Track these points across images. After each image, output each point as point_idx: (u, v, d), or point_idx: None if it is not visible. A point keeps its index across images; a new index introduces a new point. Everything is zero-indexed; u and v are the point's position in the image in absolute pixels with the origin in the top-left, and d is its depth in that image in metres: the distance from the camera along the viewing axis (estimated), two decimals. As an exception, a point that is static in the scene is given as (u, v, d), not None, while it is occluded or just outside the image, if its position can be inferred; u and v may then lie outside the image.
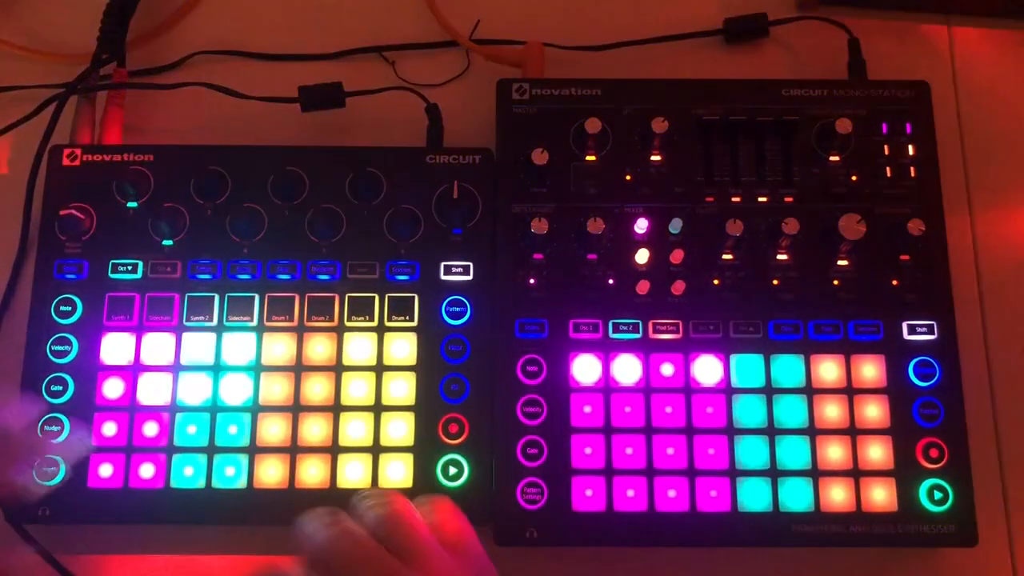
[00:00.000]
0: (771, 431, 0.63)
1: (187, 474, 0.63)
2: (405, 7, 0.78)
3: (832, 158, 0.68)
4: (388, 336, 0.65)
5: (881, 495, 0.62)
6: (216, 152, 0.69)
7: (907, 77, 0.70)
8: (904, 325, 0.65)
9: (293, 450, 0.64)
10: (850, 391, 0.64)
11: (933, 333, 0.65)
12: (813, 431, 0.63)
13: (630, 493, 0.62)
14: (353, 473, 0.63)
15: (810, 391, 0.64)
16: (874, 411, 0.63)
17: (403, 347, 0.65)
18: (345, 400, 0.64)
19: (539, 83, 0.69)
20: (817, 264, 0.66)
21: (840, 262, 0.66)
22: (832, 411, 0.64)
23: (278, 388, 0.65)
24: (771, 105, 0.68)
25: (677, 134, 0.67)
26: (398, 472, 0.63)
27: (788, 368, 0.64)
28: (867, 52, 0.73)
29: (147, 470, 0.63)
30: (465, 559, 0.51)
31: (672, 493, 0.62)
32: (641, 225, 0.66)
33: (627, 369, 0.64)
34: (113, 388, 0.64)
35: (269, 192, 0.68)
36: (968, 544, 0.62)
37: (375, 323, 0.66)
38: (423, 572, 0.47)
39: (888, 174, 0.68)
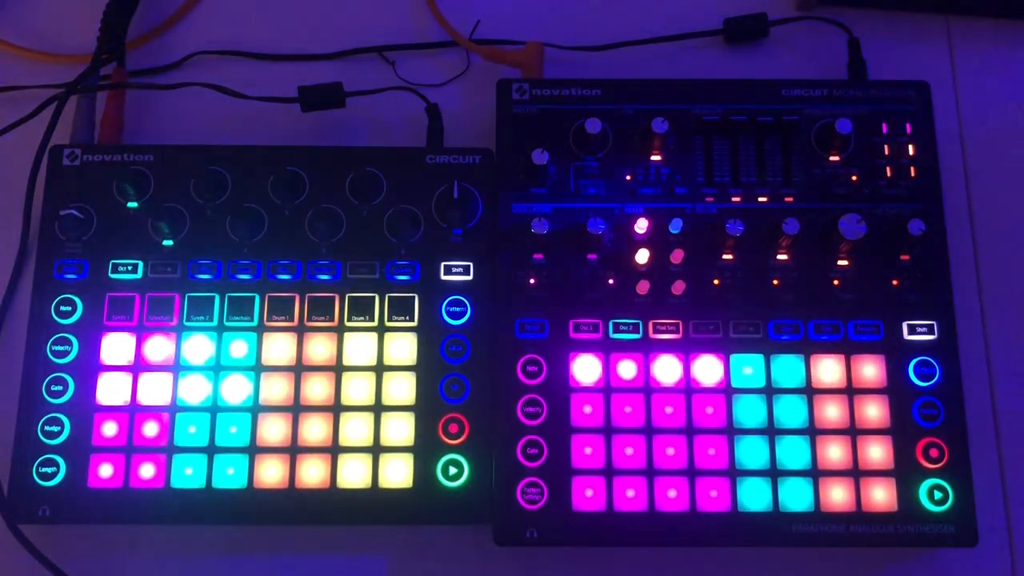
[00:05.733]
0: (771, 431, 0.63)
1: (187, 474, 0.63)
2: (405, 7, 0.78)
3: (832, 158, 0.68)
4: (388, 336, 0.65)
5: (881, 495, 0.62)
6: (216, 152, 0.69)
7: (907, 77, 0.70)
8: (904, 325, 0.65)
9: (293, 450, 0.63)
10: (850, 391, 0.64)
11: (933, 333, 0.65)
12: (813, 431, 0.63)
13: (630, 493, 0.62)
14: (353, 473, 0.63)
15: (810, 391, 0.64)
16: (874, 411, 0.63)
17: (403, 347, 0.65)
18: (345, 400, 0.64)
19: (539, 83, 0.69)
20: (817, 264, 0.66)
21: (840, 262, 0.66)
22: (832, 411, 0.64)
23: (278, 388, 0.64)
24: (771, 105, 0.68)
25: (677, 134, 0.67)
26: (398, 472, 0.63)
27: (788, 368, 0.64)
28: (867, 52, 0.73)
29: (147, 470, 0.63)
30: None
31: (672, 493, 0.62)
32: (641, 225, 0.66)
33: (627, 369, 0.64)
34: (113, 388, 0.64)
35: (269, 192, 0.68)
36: (968, 544, 0.62)
37: (375, 323, 0.66)
38: None
39: (888, 174, 0.68)
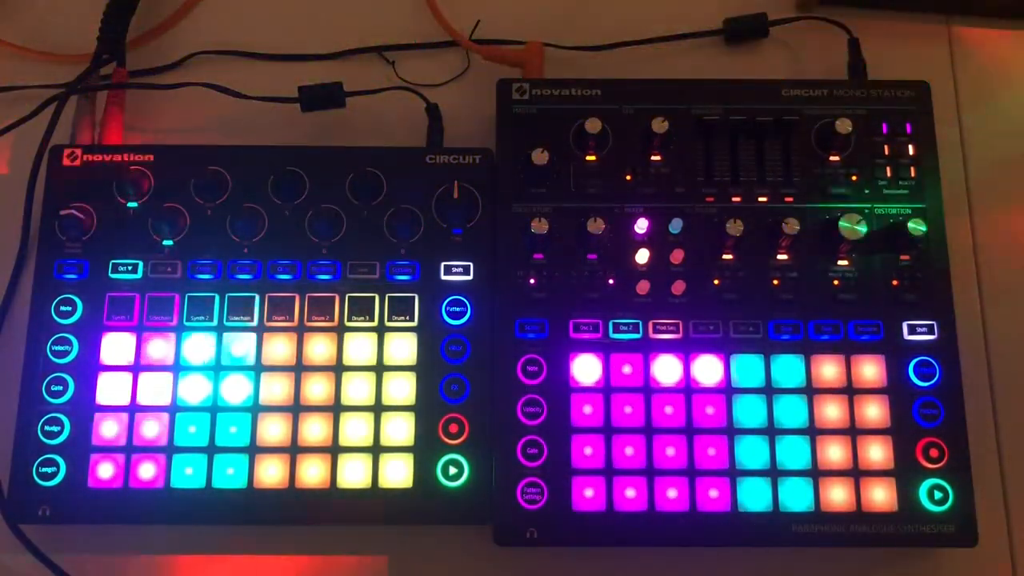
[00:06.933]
0: (771, 431, 0.63)
1: (187, 474, 0.63)
2: (405, 7, 0.78)
3: (832, 158, 0.68)
4: (388, 336, 0.65)
5: (881, 495, 0.62)
6: (216, 152, 0.69)
7: (907, 77, 0.70)
8: (904, 325, 0.65)
9: (293, 450, 0.63)
10: (850, 391, 0.64)
11: (933, 333, 0.65)
12: (813, 431, 0.63)
13: (630, 493, 0.62)
14: (353, 473, 0.63)
15: (810, 391, 0.64)
16: (874, 411, 0.63)
17: (403, 347, 0.65)
18: (345, 400, 0.64)
19: (539, 83, 0.69)
20: (817, 264, 0.66)
21: (840, 262, 0.66)
22: (832, 411, 0.64)
23: (278, 388, 0.65)
24: (771, 105, 0.68)
25: (677, 134, 0.67)
26: (398, 472, 0.63)
27: (788, 368, 0.64)
28: (867, 52, 0.73)
29: (147, 470, 0.63)
30: None
31: (672, 493, 0.62)
32: (641, 225, 0.66)
33: (627, 369, 0.64)
34: (113, 388, 0.64)
35: (269, 192, 0.68)
36: (968, 544, 0.62)
37: (375, 323, 0.66)
38: None
39: (888, 174, 0.68)
